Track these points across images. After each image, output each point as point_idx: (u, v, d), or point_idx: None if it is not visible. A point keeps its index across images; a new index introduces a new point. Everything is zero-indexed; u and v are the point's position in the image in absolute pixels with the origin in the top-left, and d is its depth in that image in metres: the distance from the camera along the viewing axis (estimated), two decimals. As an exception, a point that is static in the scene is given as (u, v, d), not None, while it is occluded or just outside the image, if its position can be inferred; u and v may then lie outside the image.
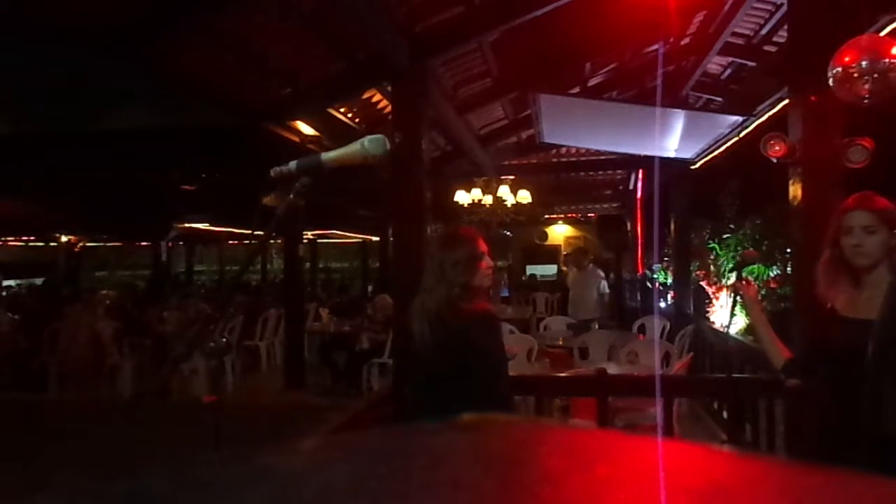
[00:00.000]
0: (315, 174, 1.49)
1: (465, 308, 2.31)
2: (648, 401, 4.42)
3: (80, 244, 18.50)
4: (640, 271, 12.84)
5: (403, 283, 5.29)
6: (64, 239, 17.48)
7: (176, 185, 10.18)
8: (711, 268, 9.02)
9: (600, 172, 13.41)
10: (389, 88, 6.01)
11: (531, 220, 14.36)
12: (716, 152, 7.91)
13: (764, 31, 6.51)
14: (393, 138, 4.82)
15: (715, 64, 7.65)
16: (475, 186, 10.28)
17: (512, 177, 10.74)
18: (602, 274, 8.53)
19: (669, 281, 10.29)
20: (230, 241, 19.50)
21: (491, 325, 2.39)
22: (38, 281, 16.13)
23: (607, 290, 7.89)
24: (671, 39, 6.55)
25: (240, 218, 12.81)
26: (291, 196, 1.48)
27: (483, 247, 2.45)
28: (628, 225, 14.07)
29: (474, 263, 2.38)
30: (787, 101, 4.29)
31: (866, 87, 2.98)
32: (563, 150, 11.25)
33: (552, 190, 13.91)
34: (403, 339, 5.15)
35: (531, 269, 17.74)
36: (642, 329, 8.10)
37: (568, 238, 18.99)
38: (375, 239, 17.65)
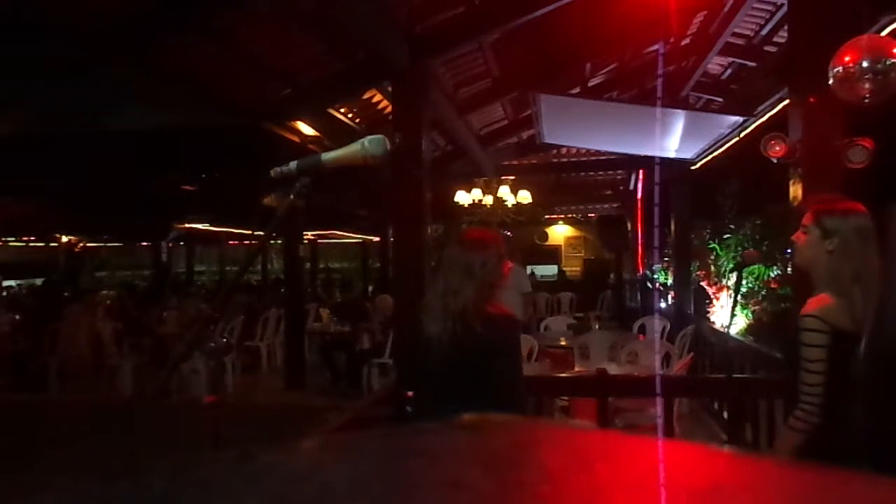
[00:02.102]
0: (315, 174, 1.49)
1: (490, 311, 2.32)
2: (648, 401, 4.42)
3: (80, 244, 18.50)
4: (641, 271, 12.84)
5: (404, 284, 5.30)
6: (64, 239, 17.48)
7: (176, 185, 10.18)
8: (712, 268, 9.01)
9: (600, 172, 13.41)
10: (389, 88, 6.01)
11: (531, 220, 14.37)
12: (716, 152, 7.91)
13: (764, 31, 6.51)
14: (393, 138, 4.82)
15: (715, 64, 7.65)
16: (475, 186, 10.30)
17: (512, 177, 10.75)
18: (525, 274, 8.26)
19: (670, 281, 10.29)
20: (230, 242, 19.50)
21: (515, 329, 2.42)
22: (38, 281, 16.13)
23: (529, 289, 7.66)
24: (671, 39, 6.54)
25: (240, 218, 12.82)
26: (291, 196, 1.48)
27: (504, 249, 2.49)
28: (628, 225, 14.07)
29: (500, 264, 2.41)
30: (787, 101, 4.29)
31: (866, 86, 2.98)
32: (564, 151, 11.25)
33: (552, 190, 13.91)
34: (407, 339, 5.15)
35: (531, 269, 17.74)
36: (642, 329, 8.10)
37: (568, 238, 19.01)
38: (375, 239, 17.65)
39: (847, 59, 3.03)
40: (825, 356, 1.98)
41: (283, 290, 10.52)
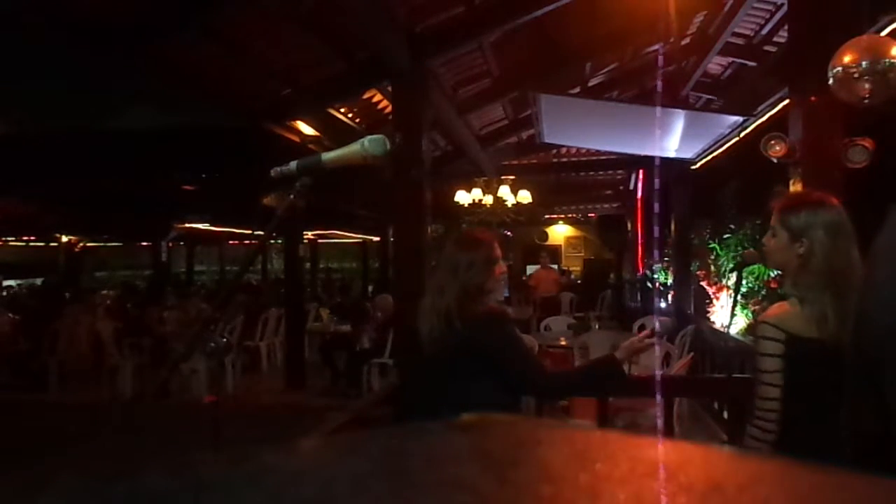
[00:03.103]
0: (315, 174, 1.49)
1: (475, 311, 2.28)
2: (648, 401, 4.42)
3: (80, 244, 18.50)
4: (641, 271, 12.83)
5: (404, 284, 5.30)
6: (64, 239, 17.47)
7: (176, 185, 10.18)
8: (712, 268, 9.01)
9: (600, 172, 13.42)
10: (389, 88, 6.02)
11: (531, 220, 14.38)
12: (716, 152, 7.91)
13: (764, 31, 6.51)
14: (393, 138, 4.82)
15: (715, 64, 7.65)
16: (475, 186, 10.30)
17: (512, 177, 10.76)
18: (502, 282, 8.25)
19: (670, 281, 10.28)
20: (230, 241, 19.48)
21: (500, 325, 2.34)
22: (39, 281, 16.14)
23: (501, 298, 7.62)
24: (671, 39, 6.55)
25: (240, 218, 12.82)
26: (291, 196, 1.48)
27: (499, 251, 2.41)
28: (628, 225, 14.07)
29: (489, 267, 2.35)
30: (787, 101, 4.29)
31: (866, 87, 2.98)
32: (564, 150, 11.26)
33: (552, 190, 13.92)
34: (406, 338, 5.15)
35: (531, 269, 17.75)
36: (642, 329, 8.09)
37: (568, 238, 19.00)
38: (375, 239, 17.65)
39: (847, 59, 3.03)
40: (781, 367, 1.80)
41: (282, 291, 10.52)
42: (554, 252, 18.59)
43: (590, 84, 8.45)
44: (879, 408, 1.15)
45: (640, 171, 12.04)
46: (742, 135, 6.78)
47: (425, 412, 2.39)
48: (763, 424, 1.83)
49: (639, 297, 12.63)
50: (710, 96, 8.53)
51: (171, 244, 17.82)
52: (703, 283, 9.10)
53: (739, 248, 8.35)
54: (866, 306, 1.28)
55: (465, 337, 2.25)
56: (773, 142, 3.65)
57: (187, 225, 14.32)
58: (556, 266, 17.98)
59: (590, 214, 17.62)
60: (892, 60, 2.99)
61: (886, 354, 1.07)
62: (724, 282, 8.60)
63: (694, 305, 9.21)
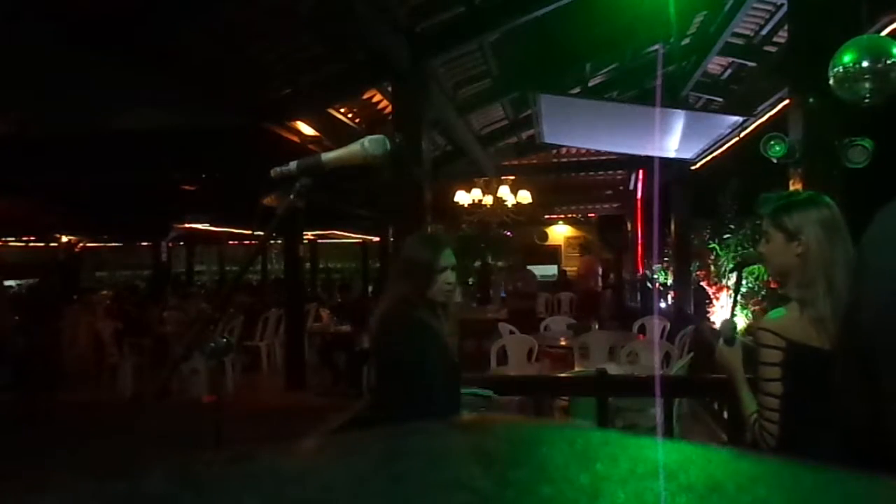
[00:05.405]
0: (315, 174, 1.49)
1: (403, 317, 2.14)
2: (648, 401, 4.42)
3: (80, 244, 18.49)
4: (641, 271, 12.83)
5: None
6: (64, 239, 17.46)
7: (176, 185, 10.18)
8: (712, 268, 9.01)
9: (600, 172, 13.42)
10: (390, 88, 6.02)
11: (531, 220, 14.37)
12: (716, 152, 7.92)
13: (764, 31, 6.52)
14: (393, 138, 4.82)
15: (715, 64, 7.66)
16: (475, 186, 10.31)
17: (512, 177, 10.76)
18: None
19: (669, 281, 10.28)
20: (230, 242, 19.49)
21: (408, 334, 2.15)
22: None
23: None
24: (671, 39, 6.56)
25: (240, 218, 12.81)
26: (291, 196, 1.48)
27: (449, 259, 2.21)
28: (628, 225, 14.07)
29: (430, 275, 2.16)
30: (787, 101, 4.29)
31: (866, 86, 2.98)
32: (564, 151, 11.26)
33: (552, 190, 13.92)
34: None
35: (531, 269, 17.73)
36: (642, 329, 8.10)
37: (568, 238, 18.99)
38: (375, 239, 17.64)
39: (847, 59, 3.03)
40: (781, 375, 1.76)
41: (283, 290, 10.52)
42: (554, 252, 18.58)
43: (590, 84, 8.46)
44: (872, 401, 1.13)
45: (640, 172, 12.04)
46: (742, 135, 6.78)
47: (382, 418, 2.31)
48: (766, 436, 1.82)
49: (638, 298, 12.64)
50: (710, 96, 8.53)
51: (171, 244, 17.80)
52: (703, 284, 9.10)
53: (739, 249, 8.35)
54: (857, 296, 1.27)
55: (382, 342, 2.20)
56: (773, 142, 3.65)
57: (187, 225, 14.32)
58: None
59: (590, 214, 17.61)
60: (893, 60, 2.99)
61: (878, 343, 1.06)
62: (724, 282, 8.60)
63: (694, 306, 9.22)
